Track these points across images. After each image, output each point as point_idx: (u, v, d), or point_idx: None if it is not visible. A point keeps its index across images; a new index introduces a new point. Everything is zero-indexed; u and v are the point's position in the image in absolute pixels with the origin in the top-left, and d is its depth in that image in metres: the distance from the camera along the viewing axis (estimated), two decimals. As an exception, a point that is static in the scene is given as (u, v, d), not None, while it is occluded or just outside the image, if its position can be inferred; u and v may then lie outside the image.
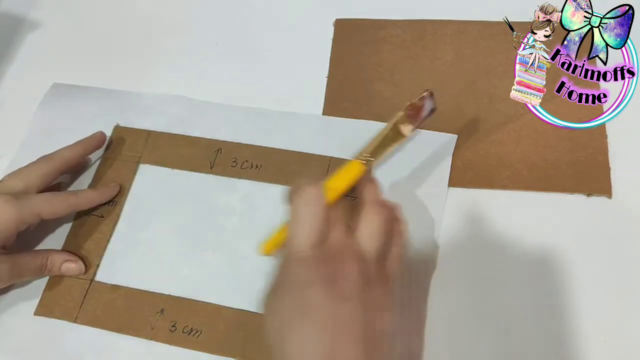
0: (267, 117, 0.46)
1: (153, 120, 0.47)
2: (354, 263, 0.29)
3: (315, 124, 0.46)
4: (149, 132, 0.46)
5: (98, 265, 0.41)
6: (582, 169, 0.42)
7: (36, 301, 0.40)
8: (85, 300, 0.40)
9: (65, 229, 0.43)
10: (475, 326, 0.38)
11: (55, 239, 0.43)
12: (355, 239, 0.30)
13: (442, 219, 0.41)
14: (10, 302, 0.40)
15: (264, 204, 0.43)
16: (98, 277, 0.41)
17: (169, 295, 0.40)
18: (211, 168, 0.44)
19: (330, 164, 0.43)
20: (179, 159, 0.45)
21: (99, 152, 0.46)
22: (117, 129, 0.47)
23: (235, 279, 0.40)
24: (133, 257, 0.42)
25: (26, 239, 0.41)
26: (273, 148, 0.45)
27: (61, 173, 0.42)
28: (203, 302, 0.39)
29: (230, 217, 0.42)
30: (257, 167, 0.44)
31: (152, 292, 0.40)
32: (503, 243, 0.40)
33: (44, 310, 0.40)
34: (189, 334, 0.38)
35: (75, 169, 0.45)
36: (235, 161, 0.44)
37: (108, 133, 0.46)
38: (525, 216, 0.41)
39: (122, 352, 0.38)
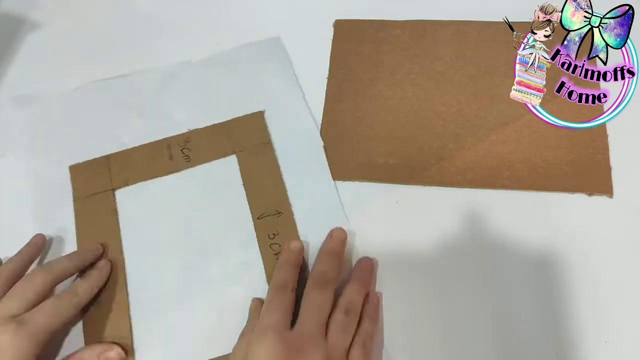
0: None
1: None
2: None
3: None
4: (107, 157, 0.46)
5: (132, 343, 0.39)
6: (583, 169, 0.42)
7: None
8: None
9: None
10: (476, 326, 0.38)
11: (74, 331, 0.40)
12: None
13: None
14: None
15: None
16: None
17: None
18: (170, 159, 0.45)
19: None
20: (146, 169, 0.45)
21: (69, 200, 0.44)
22: (73, 167, 0.46)
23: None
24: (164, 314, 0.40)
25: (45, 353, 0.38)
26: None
27: (57, 284, 0.39)
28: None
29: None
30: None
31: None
32: (504, 243, 0.40)
33: None
34: None
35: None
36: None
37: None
38: (526, 216, 0.41)
39: None
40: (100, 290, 0.41)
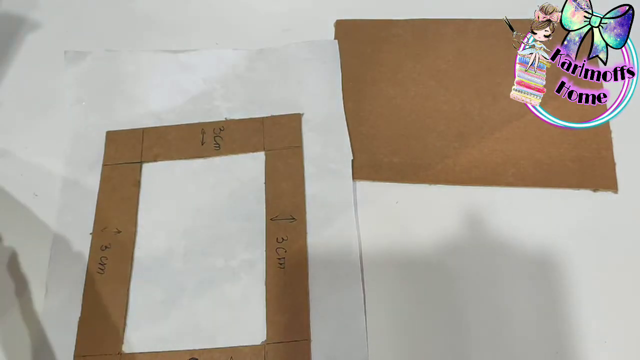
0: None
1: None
2: None
3: None
4: (143, 130, 0.47)
5: (125, 319, 0.40)
6: (588, 165, 0.42)
7: None
8: None
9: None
10: (476, 325, 0.38)
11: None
12: None
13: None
14: None
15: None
16: (125, 348, 0.39)
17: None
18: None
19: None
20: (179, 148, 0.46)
21: (98, 166, 0.45)
22: (110, 133, 0.47)
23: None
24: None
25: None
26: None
27: None
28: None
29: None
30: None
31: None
32: (507, 242, 0.40)
33: None
34: None
35: None
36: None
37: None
38: (531, 213, 0.41)
39: None
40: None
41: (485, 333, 0.38)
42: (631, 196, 0.41)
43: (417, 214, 0.42)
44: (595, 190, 0.42)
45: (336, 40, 0.49)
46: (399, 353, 0.38)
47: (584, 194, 0.42)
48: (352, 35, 0.50)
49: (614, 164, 0.42)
